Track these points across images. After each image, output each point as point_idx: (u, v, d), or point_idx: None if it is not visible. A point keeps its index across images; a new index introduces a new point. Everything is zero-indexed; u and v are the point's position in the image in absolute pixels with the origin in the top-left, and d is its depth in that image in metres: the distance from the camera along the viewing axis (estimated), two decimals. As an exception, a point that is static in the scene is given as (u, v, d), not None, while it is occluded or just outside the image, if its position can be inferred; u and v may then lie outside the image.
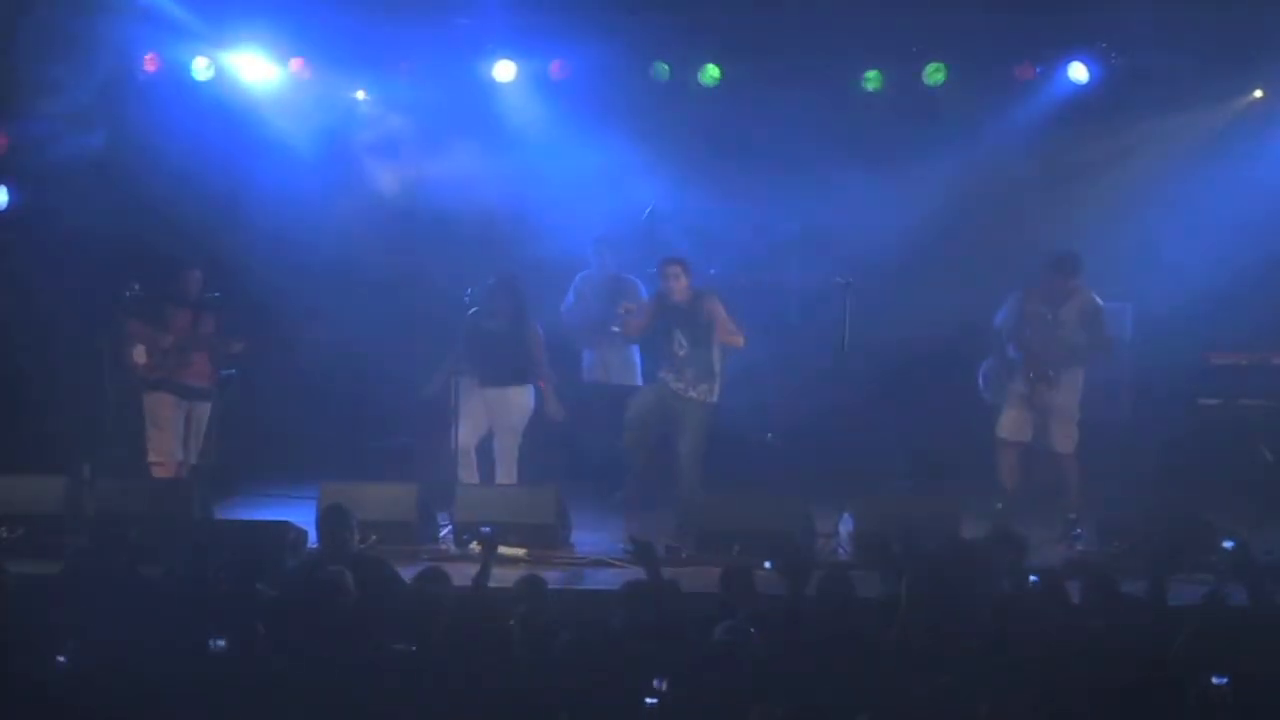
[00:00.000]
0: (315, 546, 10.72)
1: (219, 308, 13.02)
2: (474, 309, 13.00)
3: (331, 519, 9.93)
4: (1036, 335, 12.71)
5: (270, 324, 14.12)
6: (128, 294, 12.93)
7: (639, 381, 13.90)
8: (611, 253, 14.05)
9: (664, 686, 6.95)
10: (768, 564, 9.28)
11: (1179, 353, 13.93)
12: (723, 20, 14.00)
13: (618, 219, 14.35)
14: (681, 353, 12.73)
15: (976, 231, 14.38)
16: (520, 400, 13.02)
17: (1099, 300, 12.80)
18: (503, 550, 11.18)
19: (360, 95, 15.01)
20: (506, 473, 13.01)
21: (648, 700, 6.98)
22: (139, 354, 12.80)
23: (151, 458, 12.79)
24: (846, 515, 11.85)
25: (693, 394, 12.73)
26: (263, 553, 10.03)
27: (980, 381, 13.50)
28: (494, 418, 13.02)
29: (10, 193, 14.14)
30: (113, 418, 13.22)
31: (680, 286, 12.72)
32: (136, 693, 6.95)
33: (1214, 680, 7.00)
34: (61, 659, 7.25)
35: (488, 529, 10.37)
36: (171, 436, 12.82)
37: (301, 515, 11.57)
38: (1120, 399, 13.64)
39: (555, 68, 14.45)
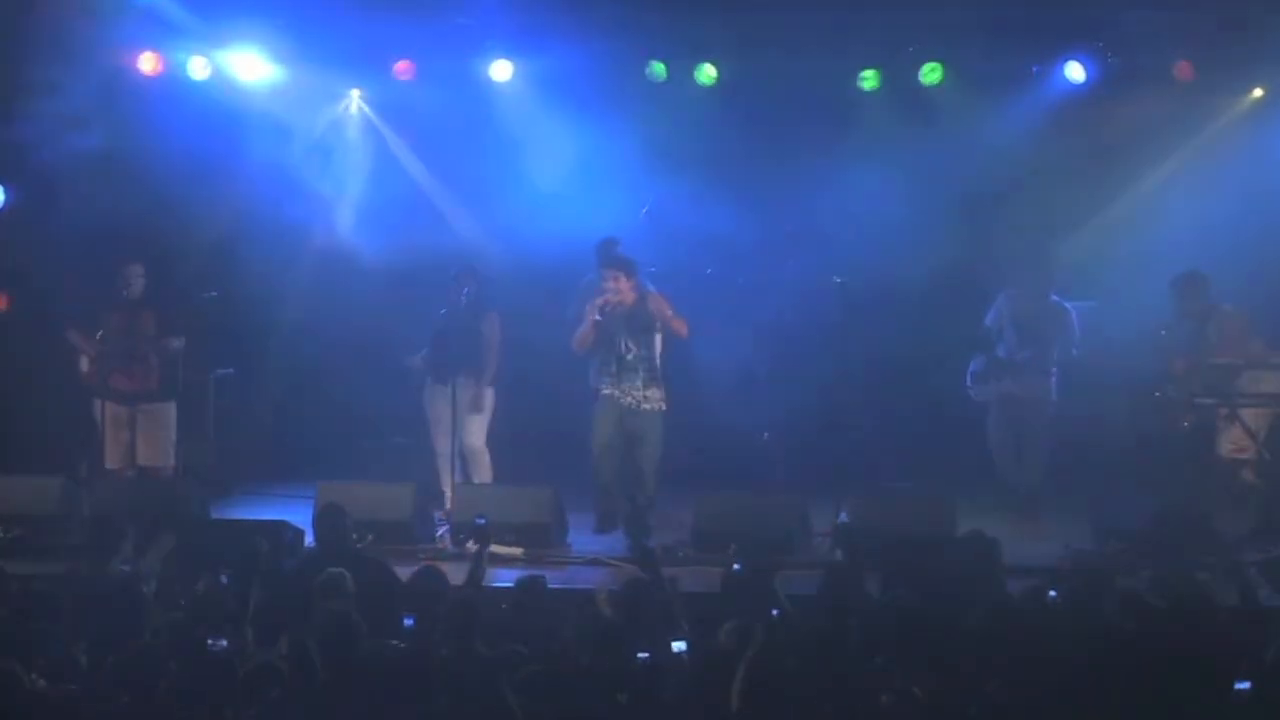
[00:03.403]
0: (312, 546, 10.71)
1: (161, 305, 12.92)
2: (443, 310, 12.97)
3: (328, 519, 9.92)
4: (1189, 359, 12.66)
5: (259, 324, 14.14)
6: (124, 292, 12.93)
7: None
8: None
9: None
10: (736, 566, 9.30)
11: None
12: (719, 19, 13.97)
13: (614, 218, 14.31)
14: (629, 356, 12.37)
15: (973, 231, 14.37)
16: (474, 396, 12.98)
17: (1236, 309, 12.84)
18: (498, 549, 11.22)
19: (356, 94, 15.00)
20: (480, 472, 12.97)
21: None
22: (83, 362, 12.79)
23: (108, 463, 12.78)
24: (843, 514, 11.85)
25: (647, 406, 12.37)
26: (259, 552, 9.99)
27: (968, 380, 13.60)
28: (456, 415, 12.87)
29: (7, 192, 14.13)
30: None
31: (624, 288, 12.36)
32: (139, 693, 6.93)
33: (1236, 685, 7.02)
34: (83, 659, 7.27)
35: (483, 519, 10.40)
36: (116, 443, 12.78)
37: (298, 515, 11.55)
38: (1117, 398, 13.64)
39: (550, 67, 14.46)
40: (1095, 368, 13.39)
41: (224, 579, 8.81)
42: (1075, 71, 14.13)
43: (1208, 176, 13.93)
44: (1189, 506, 11.64)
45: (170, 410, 13.01)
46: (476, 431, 12.99)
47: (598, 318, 12.26)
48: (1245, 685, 7.10)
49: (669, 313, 12.44)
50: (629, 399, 12.37)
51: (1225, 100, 14.25)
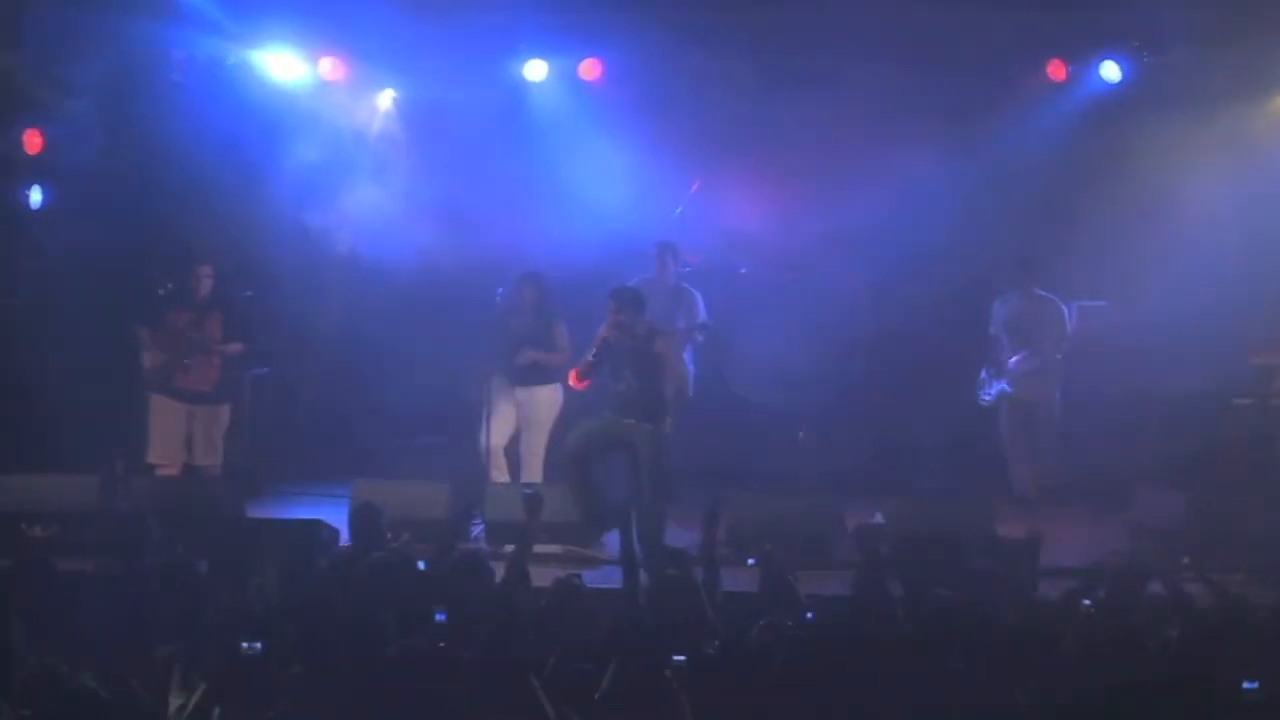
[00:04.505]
0: (347, 545, 10.73)
1: (227, 308, 13.04)
2: (502, 308, 13.02)
3: (363, 517, 9.94)
4: None
5: (294, 324, 14.17)
6: (162, 292, 13.01)
7: (689, 390, 13.85)
8: (674, 260, 13.84)
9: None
10: (751, 561, 9.26)
11: (1212, 353, 13.86)
12: (758, 17, 13.96)
13: (650, 218, 14.33)
14: (629, 391, 11.78)
15: (1008, 231, 14.33)
16: (547, 398, 13.01)
17: None
18: (536, 549, 11.24)
19: (389, 94, 15.03)
20: (532, 471, 13.00)
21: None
22: (148, 358, 12.89)
23: (150, 459, 12.90)
24: (879, 515, 11.84)
25: (647, 425, 11.73)
26: (296, 552, 10.02)
27: (978, 386, 13.67)
28: (522, 416, 13.03)
29: (43, 192, 14.19)
30: (142, 416, 13.24)
31: (622, 323, 11.74)
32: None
33: (1245, 685, 6.98)
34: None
35: (530, 489, 10.35)
36: (171, 440, 12.92)
37: (334, 514, 11.57)
38: (1153, 399, 13.62)
39: (586, 68, 14.47)
40: (1128, 369, 13.37)
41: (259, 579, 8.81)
42: (1111, 71, 14.11)
43: (1240, 176, 13.86)
44: (1226, 506, 11.60)
45: (226, 412, 13.17)
46: (540, 435, 13.03)
47: (591, 357, 11.89)
48: (1253, 685, 7.06)
49: (672, 361, 12.04)
50: (626, 419, 11.81)
51: (1254, 101, 14.18)
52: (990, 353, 13.80)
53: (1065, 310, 13.68)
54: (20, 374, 13.57)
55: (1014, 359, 13.58)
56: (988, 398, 13.81)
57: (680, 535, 11.15)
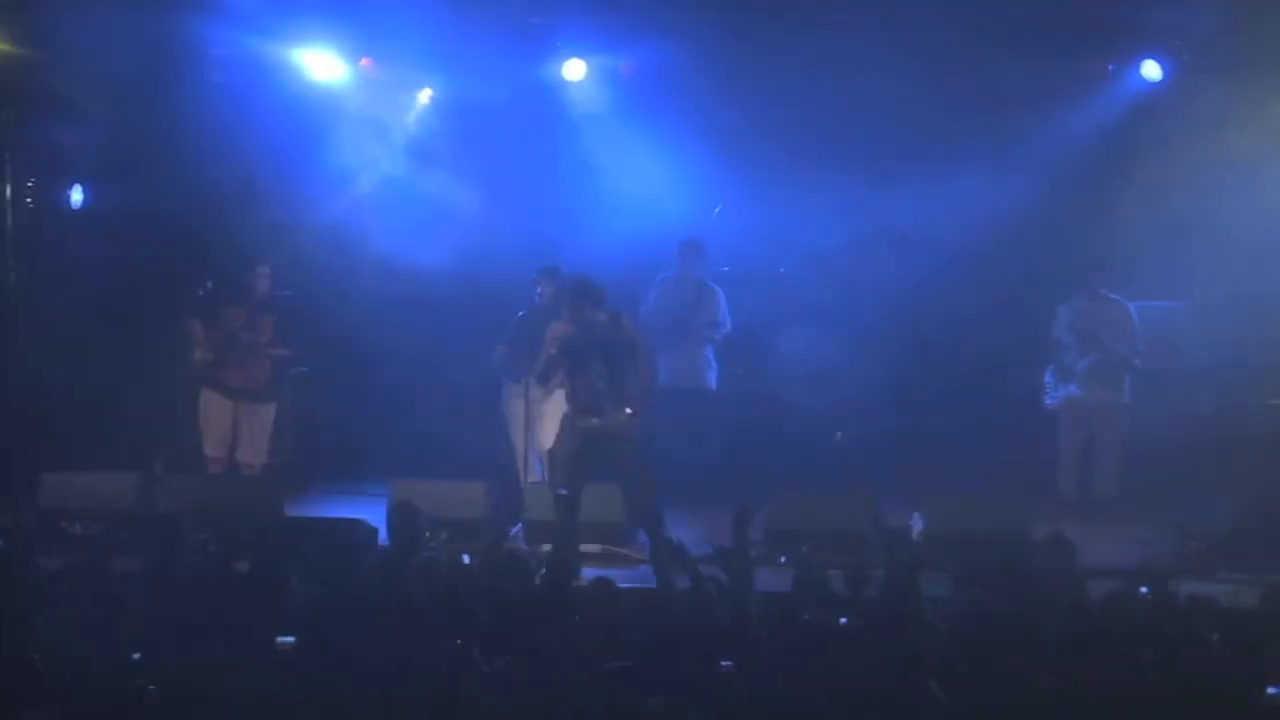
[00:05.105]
0: (385, 544, 10.74)
1: (278, 309, 13.09)
2: (521, 311, 12.96)
3: (401, 517, 9.95)
4: None
5: (332, 323, 14.21)
6: (201, 292, 13.06)
7: (713, 385, 13.86)
8: (696, 257, 13.84)
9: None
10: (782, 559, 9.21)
11: (1257, 352, 13.78)
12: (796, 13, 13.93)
13: (687, 217, 14.32)
14: (601, 385, 11.45)
15: (1051, 231, 14.28)
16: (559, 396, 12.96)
17: None
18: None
19: (427, 93, 15.05)
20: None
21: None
22: (198, 352, 12.95)
23: (206, 452, 12.98)
24: (916, 515, 11.80)
25: (617, 428, 11.40)
26: (336, 550, 10.04)
27: (1044, 390, 13.59)
28: (554, 416, 12.92)
29: (85, 191, 14.26)
30: (183, 414, 13.28)
31: (596, 316, 11.43)
32: (206, 689, 6.96)
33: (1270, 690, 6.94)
34: (136, 656, 7.28)
35: (564, 490, 10.29)
36: (219, 435, 12.98)
37: (373, 513, 11.58)
38: (1198, 399, 13.55)
39: (625, 67, 14.48)
40: (1174, 370, 13.29)
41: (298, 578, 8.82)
42: (1151, 70, 14.05)
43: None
44: (1270, 507, 11.53)
45: (272, 411, 13.20)
46: (553, 432, 13.00)
47: (550, 355, 11.65)
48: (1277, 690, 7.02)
49: (640, 349, 11.58)
50: (597, 423, 11.48)
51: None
52: (1054, 356, 13.62)
53: (1134, 312, 13.51)
54: (65, 373, 13.65)
55: (1085, 361, 13.41)
56: (1052, 401, 13.65)
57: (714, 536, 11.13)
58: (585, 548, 11.43)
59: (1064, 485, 13.52)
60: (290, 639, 7.66)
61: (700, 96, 14.35)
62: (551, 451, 12.10)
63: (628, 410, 11.37)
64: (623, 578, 9.33)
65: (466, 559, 9.35)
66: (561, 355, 11.51)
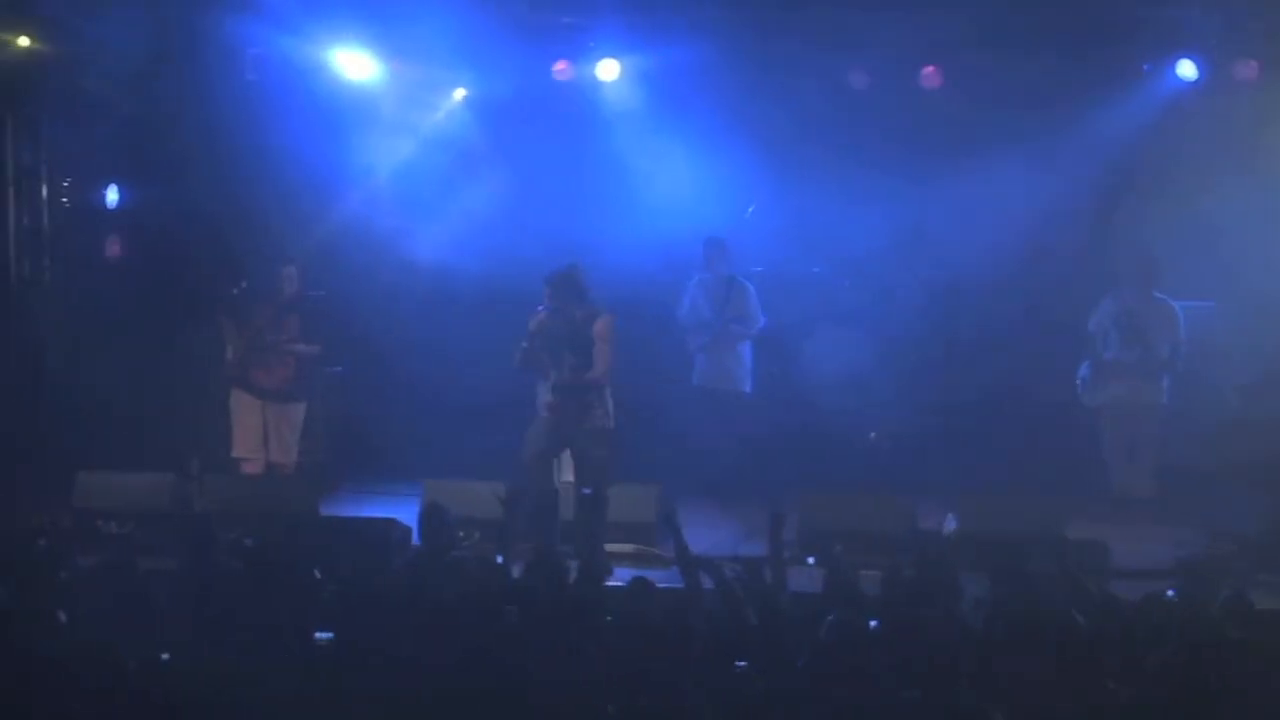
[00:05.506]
0: (418, 544, 10.76)
1: (307, 308, 13.13)
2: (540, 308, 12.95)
3: (432, 517, 9.97)
4: None
5: (366, 323, 14.25)
6: (235, 291, 13.11)
7: (748, 387, 13.85)
8: (720, 254, 13.88)
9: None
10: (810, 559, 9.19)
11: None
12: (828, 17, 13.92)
13: (720, 218, 14.32)
14: (564, 371, 11.56)
15: (1081, 231, 14.24)
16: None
17: None
18: (610, 548, 11.28)
19: (460, 94, 15.07)
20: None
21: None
22: (230, 350, 13.01)
23: (235, 453, 13.02)
24: (951, 517, 11.78)
25: (586, 424, 11.53)
26: (368, 550, 10.06)
27: (1079, 385, 13.53)
28: None
29: (121, 191, 14.32)
30: (218, 415, 13.33)
31: (561, 305, 11.59)
32: (242, 688, 6.98)
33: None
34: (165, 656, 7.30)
35: (588, 490, 10.29)
36: (250, 434, 13.02)
37: (406, 512, 11.60)
38: (1227, 399, 13.50)
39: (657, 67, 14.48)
40: (1209, 369, 13.24)
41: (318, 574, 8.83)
42: (1187, 69, 13.99)
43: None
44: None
45: (300, 410, 13.22)
46: None
47: (525, 345, 11.68)
48: None
49: (602, 345, 11.60)
50: (569, 417, 11.62)
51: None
52: (1090, 349, 13.56)
53: (1181, 315, 13.44)
54: (102, 373, 13.72)
55: (1129, 357, 13.36)
56: (1091, 400, 13.58)
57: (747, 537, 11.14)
58: (617, 548, 11.44)
59: (1116, 483, 13.50)
60: (327, 635, 7.69)
61: (733, 96, 14.32)
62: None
63: (596, 408, 11.46)
64: (656, 578, 9.31)
65: (499, 559, 9.35)
66: (536, 346, 11.58)
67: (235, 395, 13.04)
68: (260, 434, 13.07)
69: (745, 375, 13.93)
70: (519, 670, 6.94)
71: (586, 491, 11.12)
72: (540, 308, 11.73)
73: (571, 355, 11.52)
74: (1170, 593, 8.25)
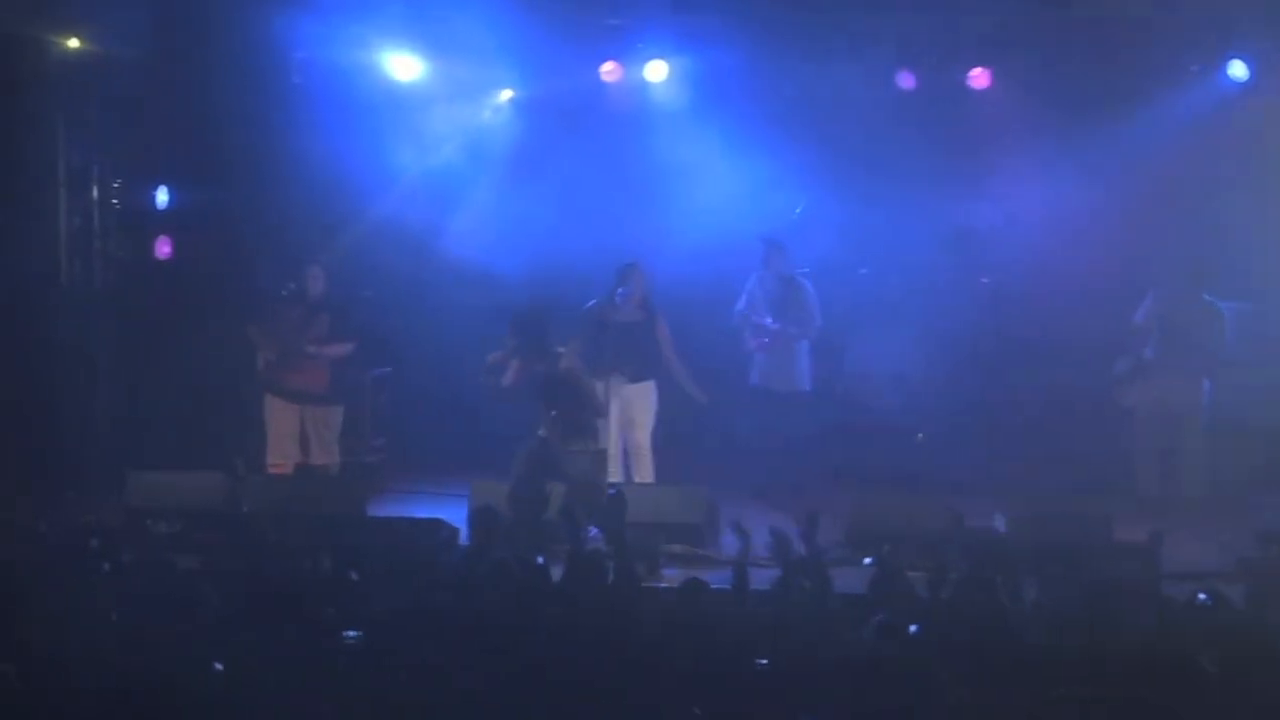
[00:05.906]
0: (467, 545, 10.78)
1: (336, 309, 13.15)
2: (593, 301, 12.97)
3: (480, 519, 9.98)
4: None
5: (414, 324, 14.28)
6: (285, 293, 13.15)
7: (806, 387, 13.81)
8: (777, 254, 13.81)
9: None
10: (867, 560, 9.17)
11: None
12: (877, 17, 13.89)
13: (769, 219, 14.30)
14: (554, 414, 11.80)
15: (1126, 230, 14.16)
16: (648, 395, 13.01)
17: None
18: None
19: (507, 95, 15.09)
20: (644, 471, 13.00)
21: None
22: (261, 357, 13.05)
23: (269, 459, 13.07)
24: (998, 516, 11.73)
25: (575, 446, 11.76)
26: (417, 550, 10.09)
27: (1115, 381, 13.42)
28: (629, 413, 12.97)
29: (170, 193, 14.40)
30: (260, 416, 13.39)
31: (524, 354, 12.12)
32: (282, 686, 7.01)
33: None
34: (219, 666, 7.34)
35: (614, 489, 10.32)
36: (284, 439, 13.07)
37: (454, 513, 11.63)
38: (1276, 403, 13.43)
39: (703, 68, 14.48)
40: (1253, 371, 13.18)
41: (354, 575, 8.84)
42: (1238, 70, 13.92)
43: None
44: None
45: (338, 412, 13.28)
46: (644, 433, 13.03)
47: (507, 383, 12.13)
48: None
49: (579, 384, 12.06)
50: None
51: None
52: (1131, 343, 13.42)
53: (1228, 318, 13.27)
54: (152, 373, 13.80)
55: (1171, 358, 13.25)
56: (1126, 399, 13.47)
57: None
58: (668, 548, 11.44)
59: (1143, 488, 13.33)
60: (356, 633, 7.69)
61: (781, 97, 14.34)
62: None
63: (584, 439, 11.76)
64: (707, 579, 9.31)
65: (540, 560, 9.35)
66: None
67: (269, 401, 13.09)
68: (294, 440, 13.11)
69: (804, 374, 13.88)
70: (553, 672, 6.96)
71: (612, 492, 11.11)
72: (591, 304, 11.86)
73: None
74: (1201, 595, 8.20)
